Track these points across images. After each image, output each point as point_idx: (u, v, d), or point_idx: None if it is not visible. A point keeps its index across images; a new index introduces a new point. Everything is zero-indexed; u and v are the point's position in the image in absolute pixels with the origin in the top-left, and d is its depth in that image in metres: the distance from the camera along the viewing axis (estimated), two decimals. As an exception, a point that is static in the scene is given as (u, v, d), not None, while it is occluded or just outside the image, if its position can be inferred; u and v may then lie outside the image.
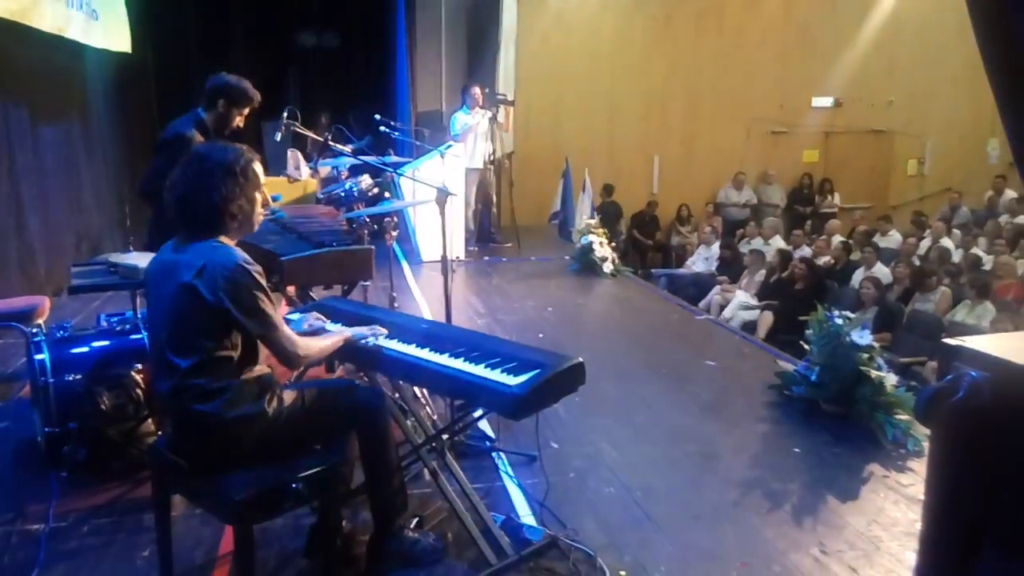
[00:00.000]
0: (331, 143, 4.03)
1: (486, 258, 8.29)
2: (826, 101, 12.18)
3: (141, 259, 3.39)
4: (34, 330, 3.63)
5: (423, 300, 6.31)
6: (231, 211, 2.38)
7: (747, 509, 3.24)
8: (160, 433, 3.53)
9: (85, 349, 3.50)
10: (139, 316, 3.75)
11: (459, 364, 2.55)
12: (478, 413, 3.15)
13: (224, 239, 2.41)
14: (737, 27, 11.66)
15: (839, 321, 4.15)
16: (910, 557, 2.85)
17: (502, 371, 2.46)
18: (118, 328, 3.62)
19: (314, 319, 2.79)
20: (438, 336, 2.78)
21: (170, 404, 2.44)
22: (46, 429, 3.37)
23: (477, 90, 8.17)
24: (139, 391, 3.53)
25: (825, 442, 3.88)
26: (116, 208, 7.16)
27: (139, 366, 3.55)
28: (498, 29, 9.01)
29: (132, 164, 7.78)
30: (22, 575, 2.70)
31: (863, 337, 4.04)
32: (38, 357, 3.39)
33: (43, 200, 5.95)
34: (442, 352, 2.64)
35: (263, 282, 2.37)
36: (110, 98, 7.46)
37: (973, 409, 1.76)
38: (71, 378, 3.41)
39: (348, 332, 2.72)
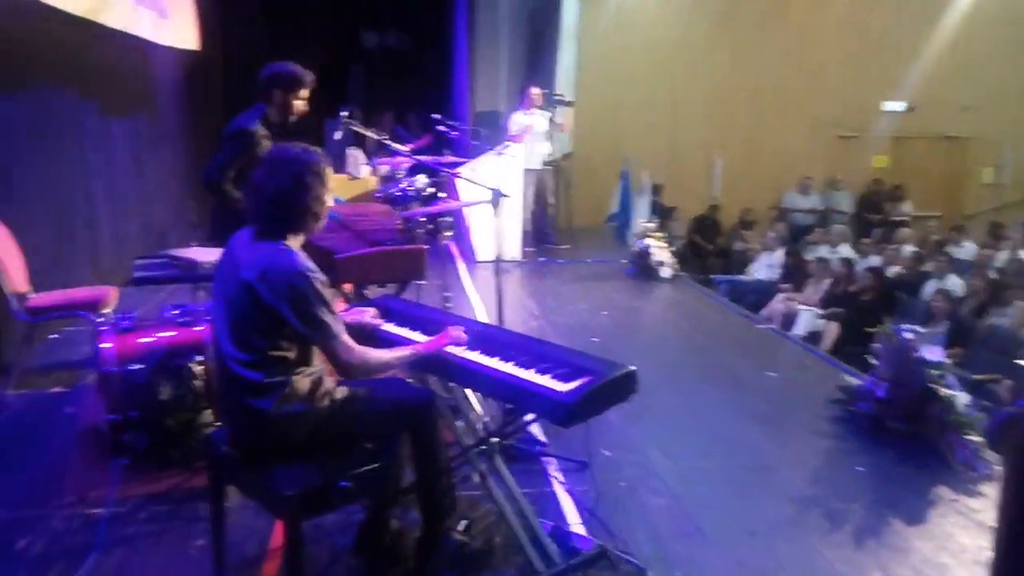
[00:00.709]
0: (388, 142, 4.03)
1: (542, 259, 8.24)
2: (898, 105, 11.76)
3: (200, 254, 3.45)
4: (100, 319, 3.73)
5: (477, 300, 6.30)
6: (315, 211, 2.43)
7: (805, 527, 3.13)
8: (218, 424, 3.61)
9: (148, 339, 3.58)
10: (200, 308, 3.82)
11: (509, 368, 2.51)
12: (528, 418, 3.10)
13: (292, 240, 2.43)
14: (804, 26, 11.34)
15: (908, 335, 3.98)
16: (979, 587, 2.72)
17: (552, 377, 2.42)
18: (180, 320, 3.69)
19: (370, 316, 2.78)
20: (489, 339, 2.75)
21: (225, 396, 2.47)
22: (109, 417, 3.46)
23: (535, 90, 8.13)
24: (198, 382, 3.61)
25: (890, 461, 3.73)
26: (181, 202, 7.34)
27: (199, 358, 3.63)
28: (558, 30, 8.96)
29: (198, 159, 7.96)
30: (81, 558, 2.77)
31: (933, 352, 3.87)
32: (103, 346, 3.48)
33: (112, 194, 6.14)
34: (492, 355, 2.61)
35: (324, 290, 2.36)
36: (178, 94, 7.67)
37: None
38: (134, 367, 3.50)
39: (420, 348, 2.63)
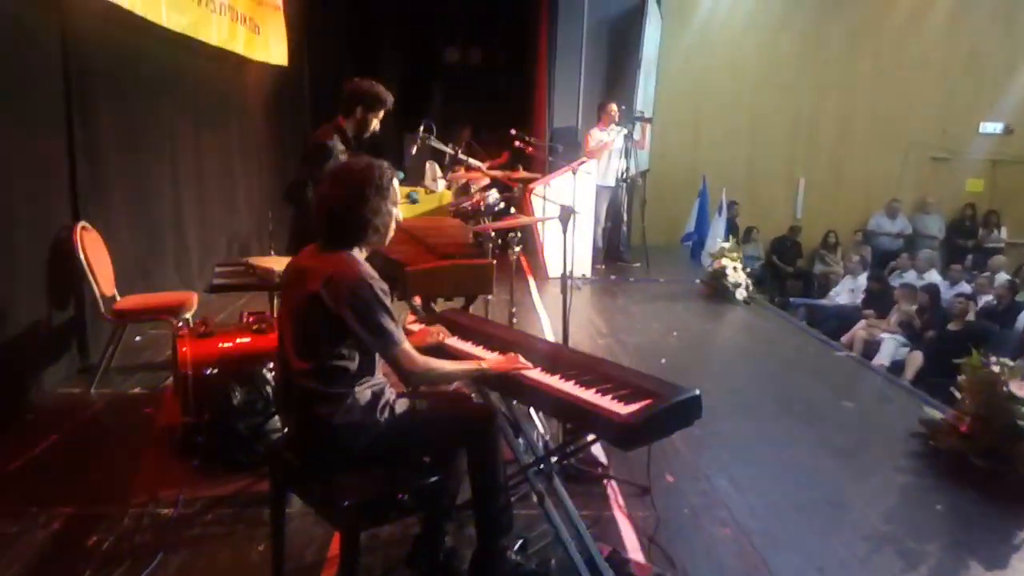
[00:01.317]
0: (463, 157, 4.07)
1: (613, 277, 8.17)
2: (995, 127, 11.23)
3: (277, 263, 3.55)
4: (180, 323, 3.87)
5: (546, 316, 6.28)
6: (375, 224, 2.45)
7: (877, 568, 2.98)
8: (285, 430, 3.69)
9: (224, 345, 3.70)
10: (274, 316, 3.93)
11: (570, 387, 2.48)
12: (589, 439, 3.06)
13: (357, 252, 2.47)
14: (896, 46, 10.98)
15: (996, 368, 3.77)
16: (1067, 643, 2.53)
17: (613, 398, 2.38)
18: (255, 327, 3.80)
19: (436, 335, 2.79)
20: (553, 357, 2.72)
21: (288, 404, 2.52)
22: (183, 419, 3.58)
23: (613, 107, 8.09)
24: (268, 388, 3.70)
25: (971, 501, 3.53)
26: (265, 213, 7.59)
27: (271, 364, 3.72)
28: (640, 47, 8.91)
29: (282, 171, 8.24)
30: (149, 556, 2.85)
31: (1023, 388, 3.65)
32: (181, 349, 3.61)
33: (200, 203, 6.39)
34: (554, 373, 2.59)
35: (385, 298, 2.38)
36: (267, 108, 7.95)
37: None
38: (209, 371, 3.61)
39: (485, 364, 2.62)
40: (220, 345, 3.71)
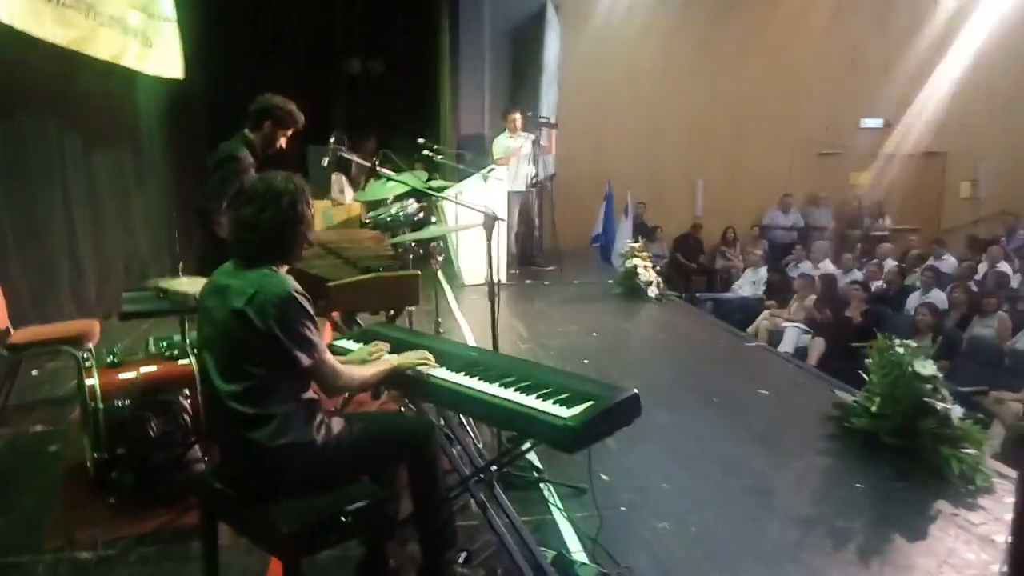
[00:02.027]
0: (378, 167, 4.01)
1: (528, 281, 8.23)
2: (876, 122, 11.94)
3: (191, 285, 3.39)
4: (84, 354, 3.65)
5: (466, 324, 6.26)
6: (309, 240, 2.47)
7: (810, 548, 3.10)
8: (207, 460, 3.53)
9: (133, 374, 3.50)
10: (187, 341, 3.75)
11: (510, 394, 2.46)
12: (526, 445, 3.05)
13: (278, 267, 2.40)
14: (781, 49, 11.51)
15: (901, 350, 3.99)
16: (988, 604, 2.69)
17: (554, 402, 2.37)
18: (166, 353, 3.62)
19: (376, 349, 2.73)
20: (487, 364, 2.70)
21: (218, 431, 2.41)
22: (95, 454, 3.37)
23: (516, 115, 8.16)
24: (186, 417, 3.53)
25: (888, 477, 3.72)
26: (164, 232, 7.27)
27: (187, 392, 3.55)
28: (542, 54, 9.02)
29: (181, 189, 7.90)
30: (69, 604, 2.67)
31: (926, 367, 3.87)
32: (88, 382, 3.40)
33: (95, 225, 6.06)
34: (492, 381, 2.57)
35: (312, 311, 2.36)
36: (161, 124, 7.61)
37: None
38: (120, 403, 3.42)
39: (394, 361, 2.66)
40: (130, 375, 3.51)
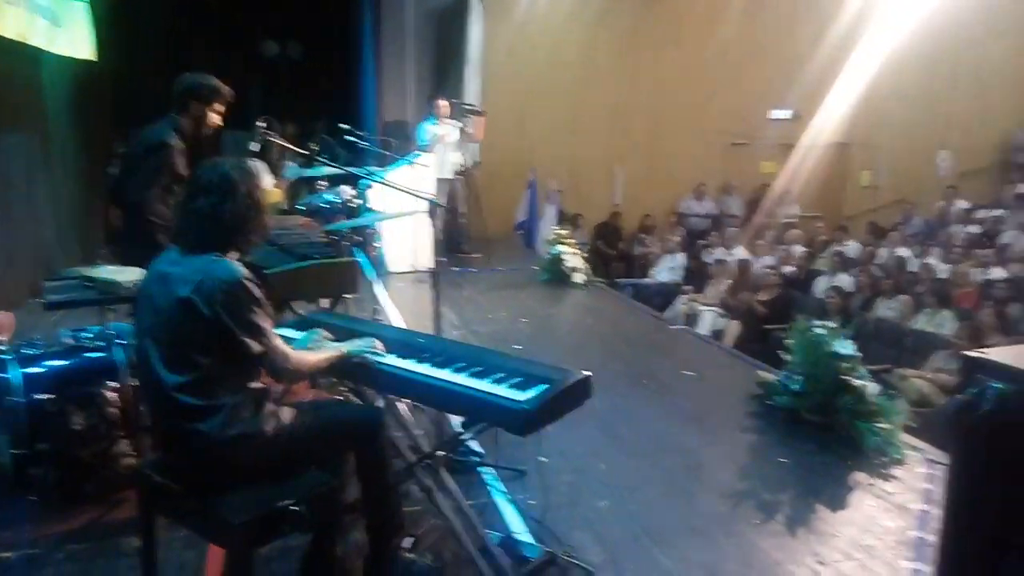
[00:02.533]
0: (313, 155, 3.94)
1: (455, 268, 8.22)
2: (784, 113, 12.41)
3: (118, 273, 3.25)
4: (1, 347, 3.46)
5: (394, 312, 6.22)
6: (258, 227, 2.40)
7: (741, 521, 3.24)
8: (135, 453, 3.41)
9: (56, 366, 3.35)
10: (111, 332, 3.60)
11: (463, 379, 2.49)
12: (475, 429, 3.08)
13: (226, 253, 2.34)
14: (697, 42, 11.81)
15: (820, 331, 4.20)
16: (905, 565, 2.89)
17: (508, 386, 2.41)
18: (89, 344, 3.47)
19: (323, 338, 2.69)
20: (436, 350, 2.72)
21: (163, 423, 2.34)
22: (14, 451, 3.20)
23: (443, 101, 8.12)
24: (112, 410, 3.40)
25: (810, 451, 3.92)
26: (74, 219, 6.92)
27: (113, 384, 3.42)
28: (466, 41, 8.99)
29: (91, 174, 7.53)
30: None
31: (845, 347, 4.09)
32: (6, 375, 3.23)
33: (1, 212, 5.71)
34: (443, 367, 2.58)
35: (260, 296, 2.31)
36: (70, 107, 7.21)
37: (998, 422, 1.77)
38: (40, 397, 3.26)
39: (344, 347, 2.64)
40: (51, 367, 3.36)
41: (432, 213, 3.40)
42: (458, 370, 2.54)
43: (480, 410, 2.45)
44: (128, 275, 3.20)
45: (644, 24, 11.61)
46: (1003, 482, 1.84)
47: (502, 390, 2.38)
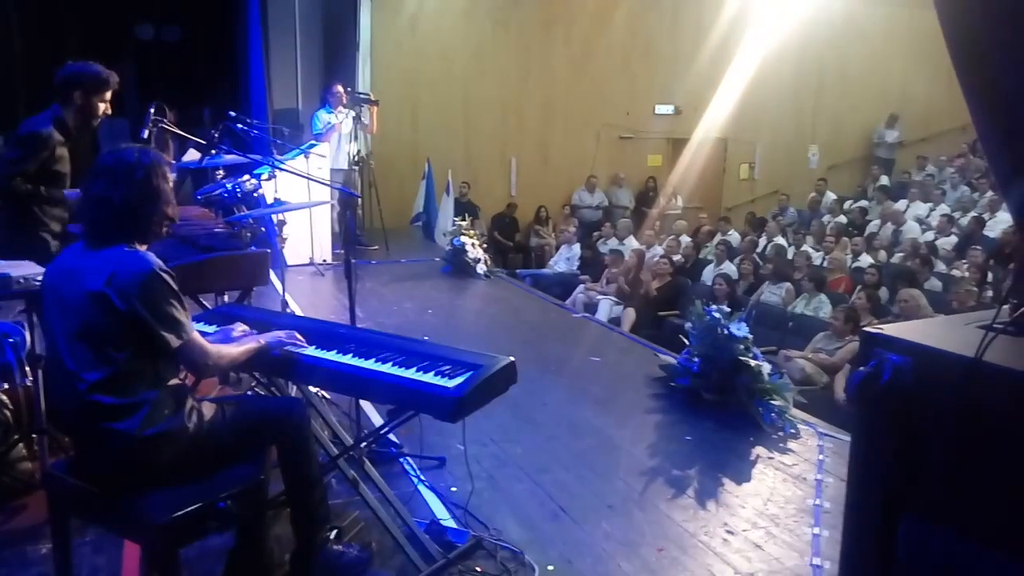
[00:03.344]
0: (212, 142, 3.81)
1: (354, 260, 8.07)
2: (668, 109, 12.89)
3: (10, 267, 3.05)
4: None
5: (295, 305, 6.08)
6: (170, 216, 2.33)
7: (654, 496, 3.40)
8: (32, 456, 3.22)
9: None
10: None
11: (390, 369, 2.49)
12: (401, 417, 3.08)
13: (136, 245, 2.26)
14: (585, 38, 12.11)
15: (717, 315, 4.43)
16: (806, 531, 3.11)
17: (435, 374, 2.44)
18: (-24, 344, 3.24)
19: (240, 331, 2.62)
20: (357, 340, 2.71)
21: (76, 423, 2.24)
22: None
23: (340, 89, 7.98)
24: (6, 412, 3.20)
25: (711, 429, 4.14)
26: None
27: (5, 385, 3.22)
28: (356, 28, 8.85)
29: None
30: None
31: (740, 329, 4.33)
32: None
33: None
34: (368, 357, 2.58)
35: (176, 288, 2.24)
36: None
37: (897, 390, 1.95)
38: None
39: (263, 339, 2.59)
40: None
41: (346, 204, 3.36)
42: (383, 360, 2.54)
43: (409, 399, 2.46)
44: (20, 270, 3.00)
45: (536, 19, 11.81)
46: (900, 446, 2.02)
47: (430, 378, 2.40)
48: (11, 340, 3.23)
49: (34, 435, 3.19)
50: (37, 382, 3.17)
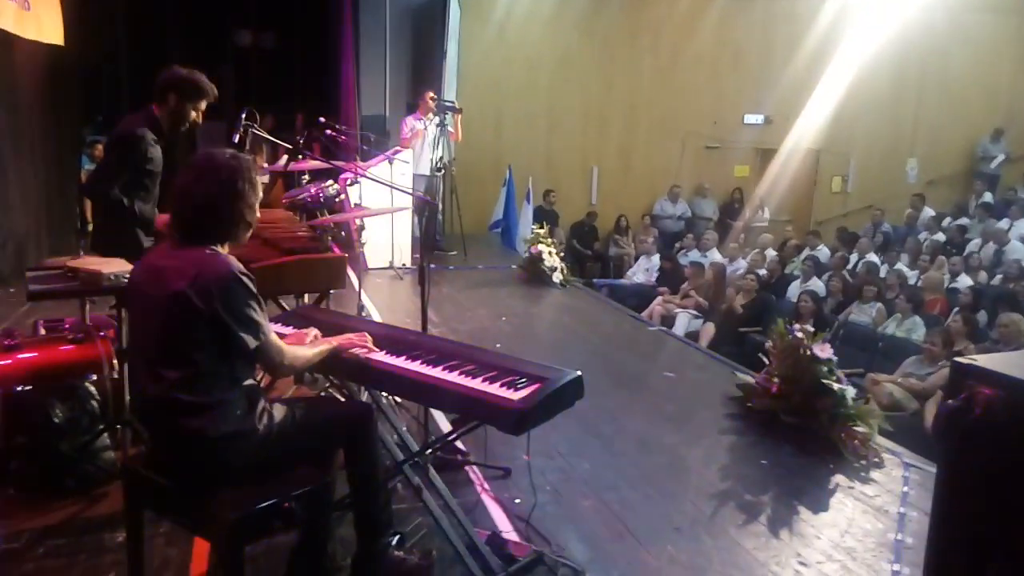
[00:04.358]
0: (298, 148, 3.91)
1: (432, 266, 8.18)
2: (757, 118, 12.58)
3: (103, 264, 3.20)
4: (-24, 337, 3.38)
5: (372, 308, 6.19)
6: (248, 220, 2.35)
7: (724, 521, 3.28)
8: (117, 447, 3.37)
9: (36, 357, 3.28)
10: (91, 323, 3.54)
11: (456, 378, 2.49)
12: (468, 426, 3.08)
13: (220, 248, 2.32)
14: (672, 47, 11.95)
15: (800, 335, 4.26)
16: (885, 567, 2.95)
17: (501, 385, 2.42)
18: (71, 336, 3.41)
19: (312, 336, 2.67)
20: (427, 347, 2.71)
21: (156, 418, 2.31)
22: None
23: (429, 96, 8.10)
24: (94, 403, 3.36)
25: (789, 454, 3.98)
26: (43, 207, 6.77)
27: (94, 376, 3.37)
28: (444, 36, 8.97)
29: (60, 162, 7.38)
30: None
31: (824, 350, 4.16)
32: (-17, 366, 3.16)
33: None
34: (436, 364, 2.58)
35: (255, 290, 2.29)
36: (41, 93, 7.05)
37: (988, 427, 1.82)
38: (21, 388, 3.21)
39: (335, 341, 2.63)
40: (31, 358, 3.29)
41: (421, 211, 3.38)
42: (450, 368, 2.54)
43: (473, 408, 2.45)
44: (112, 267, 3.15)
45: (622, 28, 11.73)
46: (989, 485, 1.89)
47: (495, 389, 2.39)
48: (101, 334, 3.39)
49: (118, 426, 3.33)
50: (123, 375, 3.32)
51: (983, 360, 1.93)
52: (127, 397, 3.27)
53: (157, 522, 2.87)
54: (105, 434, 3.32)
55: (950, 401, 1.85)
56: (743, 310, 7.95)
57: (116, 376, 3.34)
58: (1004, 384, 1.84)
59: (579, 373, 2.51)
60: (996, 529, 1.87)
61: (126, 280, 3.04)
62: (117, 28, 8.97)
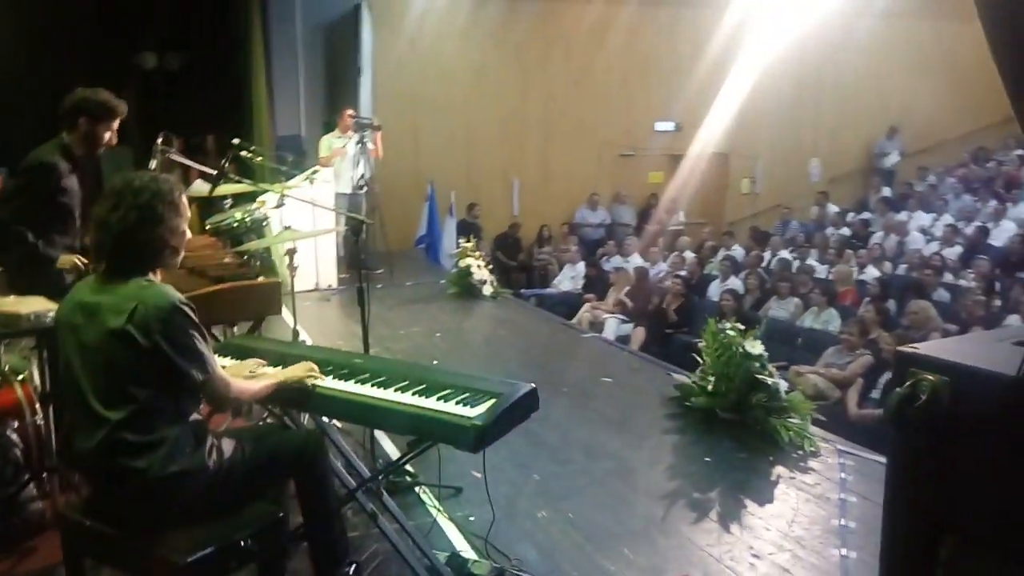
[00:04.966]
0: (223, 172, 3.79)
1: (359, 285, 8.05)
2: (668, 125, 12.91)
3: (19, 304, 3.01)
4: None
5: (304, 332, 6.03)
6: (173, 245, 2.26)
7: (676, 520, 3.34)
8: (44, 496, 3.17)
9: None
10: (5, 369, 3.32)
11: (410, 399, 2.45)
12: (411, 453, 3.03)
13: (152, 276, 2.23)
14: (584, 57, 12.14)
15: (732, 333, 4.38)
16: (833, 553, 3.05)
17: (456, 403, 2.40)
18: (-15, 382, 3.19)
19: (255, 365, 2.58)
20: (375, 370, 2.66)
21: (96, 462, 2.19)
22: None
23: (348, 114, 8.00)
24: (17, 452, 3.15)
25: (730, 448, 4.08)
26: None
27: (16, 424, 3.16)
28: (358, 52, 8.88)
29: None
30: None
31: (755, 346, 4.29)
32: None
33: None
34: (387, 387, 2.54)
35: (198, 321, 2.20)
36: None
37: (935, 411, 1.90)
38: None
39: (280, 375, 2.55)
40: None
41: (358, 230, 3.33)
42: (402, 389, 2.51)
43: (429, 429, 2.42)
44: (30, 306, 2.97)
45: (535, 39, 11.86)
46: (940, 469, 1.97)
47: (451, 407, 2.36)
48: (20, 378, 3.19)
49: (45, 474, 3.14)
50: (48, 420, 3.14)
51: (924, 347, 2.02)
52: (53, 443, 3.09)
53: (96, 570, 2.71)
54: (31, 484, 3.13)
55: (897, 389, 1.92)
56: (676, 314, 8.11)
57: (39, 422, 3.15)
58: (947, 369, 1.93)
59: (533, 386, 2.51)
60: (946, 509, 1.95)
61: (48, 319, 2.89)
62: (14, 51, 8.51)
